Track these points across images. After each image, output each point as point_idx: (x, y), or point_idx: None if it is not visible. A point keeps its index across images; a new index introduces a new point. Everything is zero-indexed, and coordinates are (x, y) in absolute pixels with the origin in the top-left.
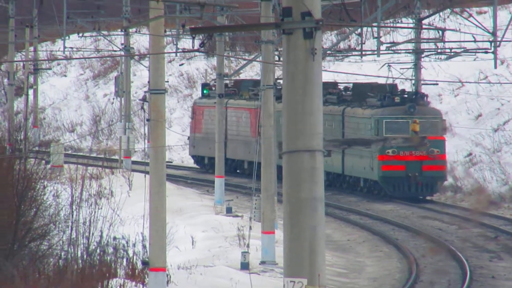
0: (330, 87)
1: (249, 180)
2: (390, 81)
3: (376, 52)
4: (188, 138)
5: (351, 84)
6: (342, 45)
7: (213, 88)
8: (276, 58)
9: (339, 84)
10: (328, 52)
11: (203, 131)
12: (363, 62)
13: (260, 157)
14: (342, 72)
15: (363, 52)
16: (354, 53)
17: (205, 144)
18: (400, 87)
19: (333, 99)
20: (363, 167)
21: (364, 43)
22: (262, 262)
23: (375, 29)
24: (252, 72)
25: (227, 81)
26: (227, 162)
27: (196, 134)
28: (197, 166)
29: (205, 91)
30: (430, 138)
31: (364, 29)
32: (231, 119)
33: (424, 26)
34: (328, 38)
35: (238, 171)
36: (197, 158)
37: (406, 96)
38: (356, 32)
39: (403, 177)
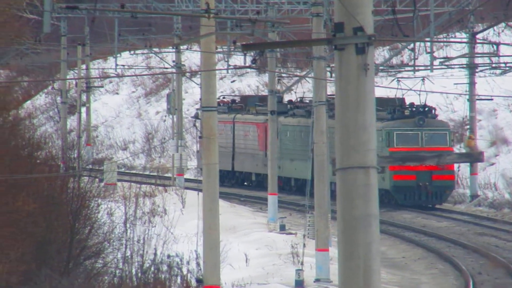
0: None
1: (257, 191)
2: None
3: (429, 67)
4: (198, 151)
5: None
6: (394, 61)
7: (221, 104)
8: (328, 74)
9: None
10: (380, 67)
11: None
12: (416, 78)
13: (313, 174)
14: (394, 87)
15: (416, 68)
16: (406, 68)
17: None
18: (454, 103)
19: None
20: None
21: (417, 58)
22: (317, 280)
23: (428, 44)
24: (304, 88)
25: (235, 97)
26: (234, 174)
27: None
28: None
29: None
30: (439, 150)
31: (417, 44)
32: (239, 133)
33: (478, 41)
34: (380, 54)
35: (245, 183)
36: None
37: (415, 109)
38: (408, 47)
39: (413, 187)
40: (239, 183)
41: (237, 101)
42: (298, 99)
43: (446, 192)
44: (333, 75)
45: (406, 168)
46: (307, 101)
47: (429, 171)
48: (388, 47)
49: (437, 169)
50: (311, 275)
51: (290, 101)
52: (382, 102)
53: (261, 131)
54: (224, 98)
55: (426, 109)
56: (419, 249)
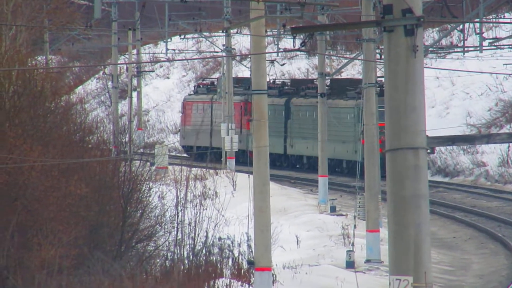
0: (308, 83)
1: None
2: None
3: (478, 48)
4: (179, 130)
5: (328, 80)
6: (443, 42)
7: (201, 86)
8: (378, 56)
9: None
10: (429, 49)
11: (192, 124)
12: (465, 59)
13: (361, 156)
14: (443, 68)
15: (465, 49)
16: (456, 49)
17: (193, 135)
18: (504, 83)
19: (313, 93)
20: (346, 150)
21: (466, 40)
22: (367, 261)
23: (477, 25)
24: (353, 70)
25: (214, 79)
26: (213, 150)
27: (186, 127)
28: (186, 155)
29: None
30: None
31: (466, 25)
32: (217, 112)
33: None
34: (429, 35)
35: (222, 159)
36: (186, 148)
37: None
38: (458, 28)
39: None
40: (217, 158)
41: (214, 83)
42: (271, 81)
43: None
44: (383, 57)
45: (379, 142)
46: (279, 83)
47: None
48: (437, 28)
49: None
50: (361, 256)
51: None
52: (353, 82)
53: (237, 111)
54: (204, 80)
55: None
56: (469, 229)
